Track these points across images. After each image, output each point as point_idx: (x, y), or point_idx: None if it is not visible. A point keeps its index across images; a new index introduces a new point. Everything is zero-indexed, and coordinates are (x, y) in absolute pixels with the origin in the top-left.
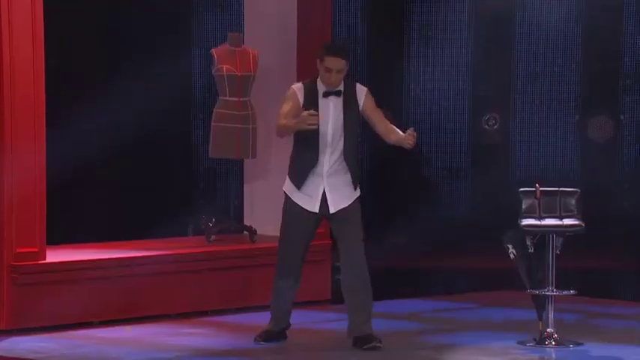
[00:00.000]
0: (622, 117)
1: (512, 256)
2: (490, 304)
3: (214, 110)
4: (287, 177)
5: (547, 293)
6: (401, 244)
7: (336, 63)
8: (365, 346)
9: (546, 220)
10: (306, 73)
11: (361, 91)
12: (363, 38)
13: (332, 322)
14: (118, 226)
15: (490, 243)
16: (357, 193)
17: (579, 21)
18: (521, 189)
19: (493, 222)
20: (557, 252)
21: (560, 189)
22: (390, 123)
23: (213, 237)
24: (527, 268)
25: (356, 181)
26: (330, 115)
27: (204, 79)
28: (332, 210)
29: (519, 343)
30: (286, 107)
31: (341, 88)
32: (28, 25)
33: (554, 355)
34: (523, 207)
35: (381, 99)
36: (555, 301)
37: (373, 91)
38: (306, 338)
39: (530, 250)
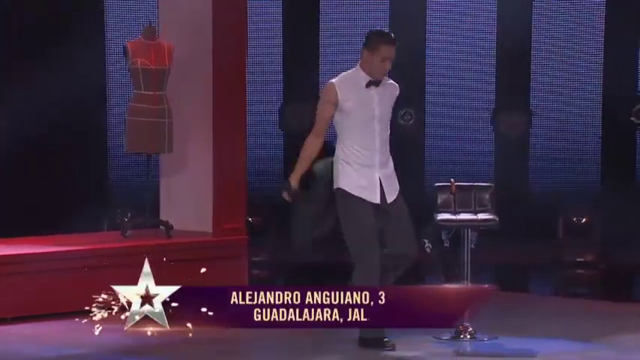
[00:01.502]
0: (533, 112)
1: (428, 250)
2: None
3: (129, 104)
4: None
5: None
6: (321, 240)
7: (392, 51)
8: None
9: (461, 214)
10: (222, 66)
11: (395, 86)
12: (279, 33)
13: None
14: (31, 221)
15: None
16: (398, 185)
17: (492, 17)
18: (437, 184)
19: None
20: (472, 246)
21: (475, 184)
22: None
23: (128, 232)
24: (443, 262)
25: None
26: (376, 105)
27: (118, 73)
28: (389, 200)
29: (435, 337)
30: (325, 111)
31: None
32: None
33: (469, 349)
34: (438, 202)
35: (297, 97)
36: None
37: (289, 90)
38: (228, 333)
39: (445, 245)
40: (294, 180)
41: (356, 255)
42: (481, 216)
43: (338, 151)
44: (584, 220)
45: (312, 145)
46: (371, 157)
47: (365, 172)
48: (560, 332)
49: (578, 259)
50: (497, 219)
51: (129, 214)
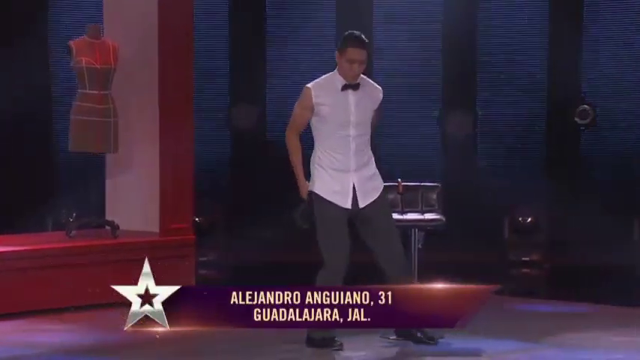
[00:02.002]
0: (479, 112)
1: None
2: None
3: (74, 103)
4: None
5: None
6: (268, 239)
7: (360, 54)
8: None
9: (408, 214)
10: (168, 65)
11: (378, 90)
12: (225, 34)
13: None
14: None
15: (355, 237)
16: (382, 184)
17: (439, 17)
18: (384, 184)
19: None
20: (419, 246)
21: (422, 184)
22: None
23: (73, 232)
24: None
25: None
26: (352, 108)
27: (63, 72)
28: (361, 205)
29: (382, 336)
30: (300, 116)
31: (358, 80)
32: None
33: (415, 349)
34: None
35: (243, 98)
36: None
37: (237, 87)
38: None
39: None
40: (302, 183)
41: (323, 256)
42: (428, 216)
43: (314, 155)
44: (529, 219)
45: (297, 144)
46: (345, 162)
47: (339, 177)
48: (505, 331)
49: (523, 259)
50: (444, 219)
51: (74, 214)
